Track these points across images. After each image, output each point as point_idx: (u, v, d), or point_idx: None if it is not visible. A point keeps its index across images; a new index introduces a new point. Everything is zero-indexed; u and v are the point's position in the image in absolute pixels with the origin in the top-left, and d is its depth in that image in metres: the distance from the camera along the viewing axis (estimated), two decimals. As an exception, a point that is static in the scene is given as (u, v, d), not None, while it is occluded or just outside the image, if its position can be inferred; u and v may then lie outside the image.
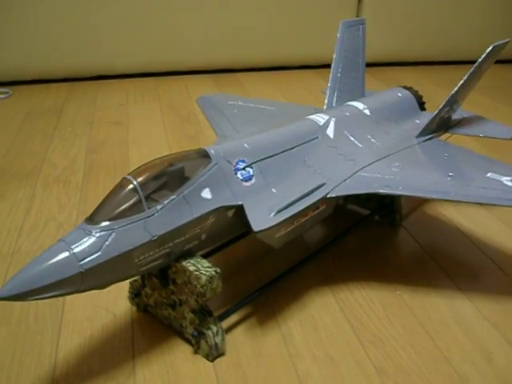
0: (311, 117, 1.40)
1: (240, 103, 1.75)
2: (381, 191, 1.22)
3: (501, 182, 1.22)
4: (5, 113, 2.55)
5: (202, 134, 2.27)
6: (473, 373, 1.08)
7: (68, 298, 1.22)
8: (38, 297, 0.90)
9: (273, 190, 1.19)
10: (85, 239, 0.94)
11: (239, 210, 1.12)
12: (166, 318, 1.16)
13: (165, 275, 1.11)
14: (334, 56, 1.60)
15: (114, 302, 1.25)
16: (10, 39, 2.78)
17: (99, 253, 0.94)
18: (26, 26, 2.77)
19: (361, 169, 1.30)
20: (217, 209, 1.08)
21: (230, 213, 1.13)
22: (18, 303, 1.21)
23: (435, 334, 1.18)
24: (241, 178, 1.15)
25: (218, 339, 1.09)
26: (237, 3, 3.01)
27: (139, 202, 1.00)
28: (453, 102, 1.50)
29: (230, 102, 1.75)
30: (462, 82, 1.46)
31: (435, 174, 1.31)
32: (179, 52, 3.06)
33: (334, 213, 1.34)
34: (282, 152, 1.25)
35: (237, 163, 1.16)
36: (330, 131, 1.38)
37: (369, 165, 1.32)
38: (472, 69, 1.45)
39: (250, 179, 1.16)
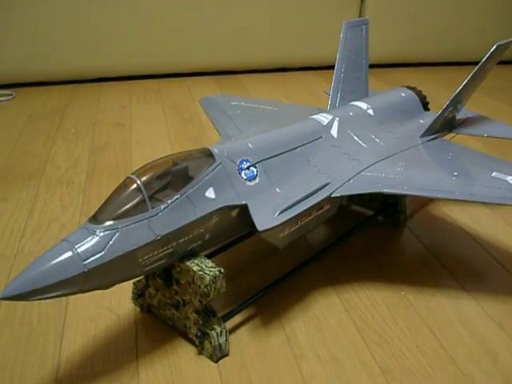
0: (315, 116, 1.40)
1: (243, 104, 1.75)
2: (385, 191, 1.22)
3: (506, 181, 1.22)
4: (8, 114, 2.55)
5: (204, 135, 2.26)
6: (478, 373, 1.08)
7: (71, 298, 1.22)
8: (40, 297, 0.90)
9: (277, 189, 1.18)
10: (88, 239, 0.94)
11: (243, 210, 1.11)
12: (169, 319, 1.16)
13: (168, 275, 1.10)
14: (338, 56, 1.59)
15: (117, 303, 1.25)
16: (10, 39, 2.78)
17: (103, 252, 0.93)
18: (26, 26, 2.77)
19: (365, 168, 1.30)
20: (221, 208, 1.07)
21: (234, 212, 1.12)
22: (21, 304, 1.21)
23: (440, 334, 1.18)
24: (245, 177, 1.14)
25: (222, 340, 1.08)
26: (239, 5, 3.02)
27: (143, 201, 0.99)
28: (457, 101, 1.50)
29: (233, 103, 1.75)
30: (466, 81, 1.46)
31: (440, 173, 1.31)
32: (181, 54, 3.06)
33: (338, 213, 1.34)
34: (286, 152, 1.25)
35: (241, 163, 1.15)
36: (334, 131, 1.38)
37: (373, 164, 1.32)
38: (476, 68, 1.45)
39: (254, 179, 1.16)
